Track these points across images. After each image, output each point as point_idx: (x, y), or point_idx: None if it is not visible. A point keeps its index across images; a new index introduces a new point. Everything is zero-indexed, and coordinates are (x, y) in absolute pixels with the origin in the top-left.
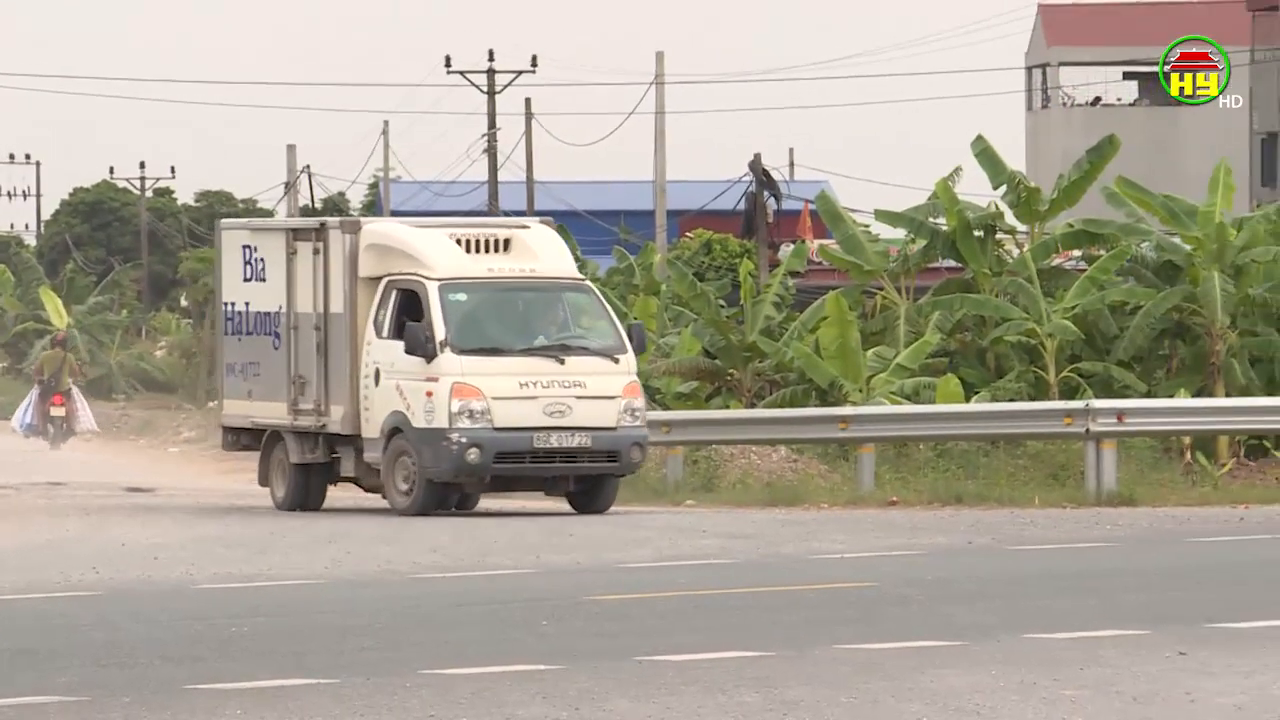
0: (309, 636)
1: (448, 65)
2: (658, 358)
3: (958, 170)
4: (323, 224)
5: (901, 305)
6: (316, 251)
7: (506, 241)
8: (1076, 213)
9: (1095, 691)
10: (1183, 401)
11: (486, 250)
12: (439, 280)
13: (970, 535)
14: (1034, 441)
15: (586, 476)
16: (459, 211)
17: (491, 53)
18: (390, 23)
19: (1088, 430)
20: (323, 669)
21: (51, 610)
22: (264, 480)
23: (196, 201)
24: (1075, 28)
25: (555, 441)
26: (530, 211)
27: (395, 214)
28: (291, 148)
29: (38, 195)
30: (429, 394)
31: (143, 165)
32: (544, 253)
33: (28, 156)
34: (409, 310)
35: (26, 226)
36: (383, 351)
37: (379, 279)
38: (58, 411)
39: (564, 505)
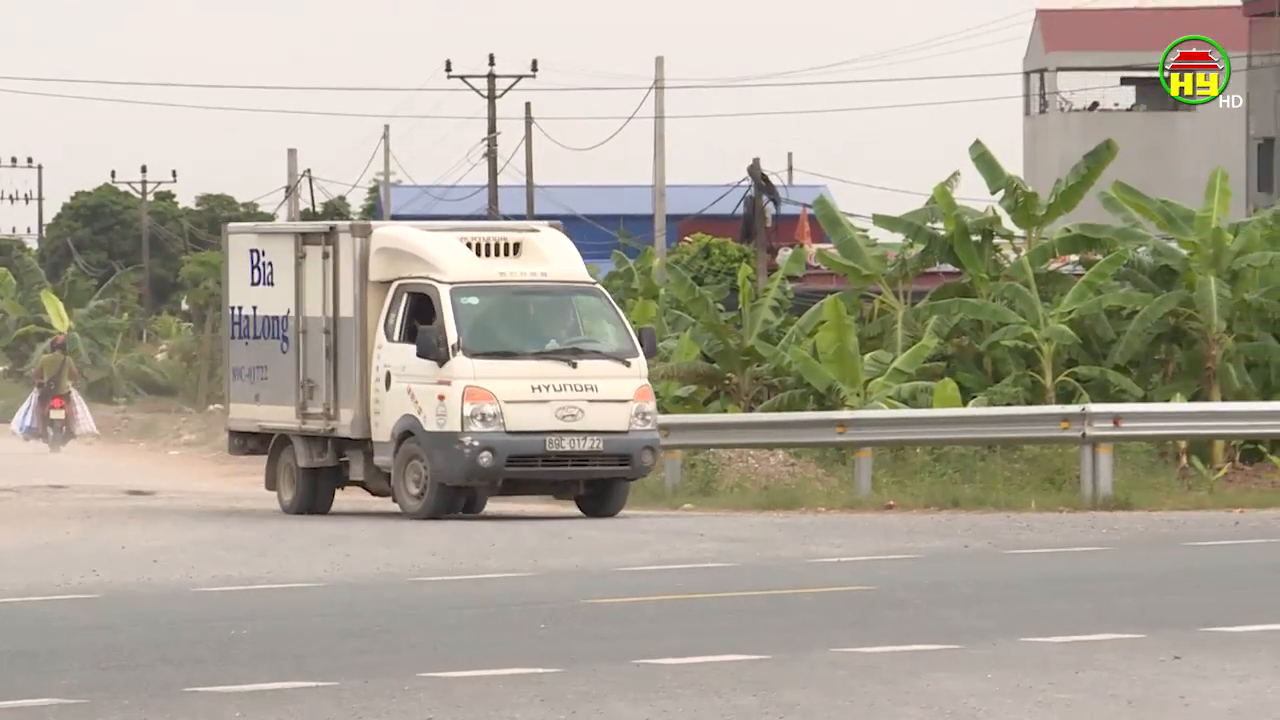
0: (308, 639)
1: (448, 70)
2: (656, 361)
3: (955, 175)
4: (332, 228)
5: (899, 309)
6: (326, 255)
7: (517, 245)
8: (1074, 217)
9: (1090, 695)
10: (1179, 406)
11: (497, 254)
12: (451, 284)
13: (967, 539)
14: (1030, 445)
15: (597, 480)
16: (459, 216)
17: (492, 57)
18: (391, 27)
19: (1084, 434)
20: (322, 671)
21: (52, 613)
22: (271, 484)
23: (197, 205)
24: (1073, 33)
25: (567, 445)
26: (530, 216)
27: (395, 218)
28: (292, 152)
29: (39, 199)
30: (441, 397)
31: (144, 169)
32: (554, 256)
33: (30, 160)
34: (420, 314)
35: (29, 230)
36: (394, 355)
37: (389, 283)
38: (57, 414)
39: (564, 509)
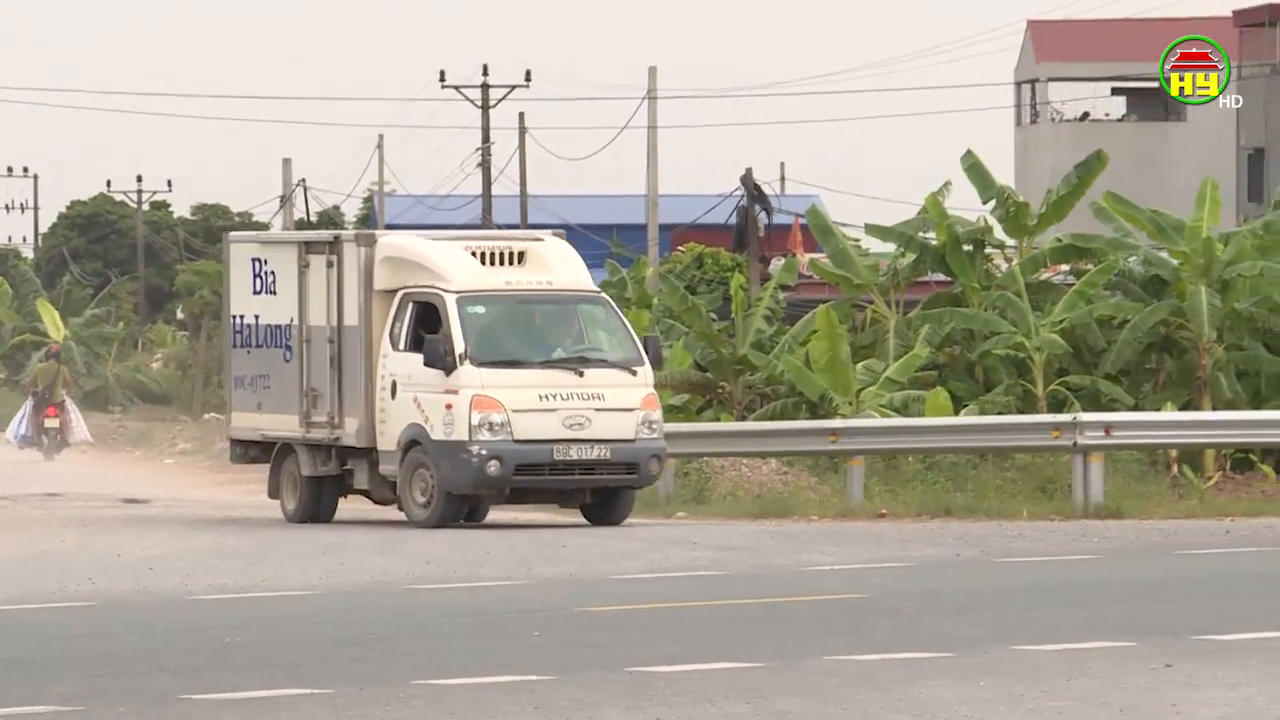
0: (303, 647)
1: (442, 80)
2: None
3: (947, 185)
4: (337, 237)
5: (891, 319)
6: (330, 264)
7: (521, 254)
8: (1065, 227)
9: (1082, 703)
10: (1169, 415)
11: (502, 263)
12: (457, 293)
13: (959, 547)
14: (1022, 454)
15: (603, 489)
16: (454, 225)
17: (485, 67)
18: (385, 38)
19: (1075, 443)
20: (317, 679)
21: (47, 620)
22: (274, 493)
23: (192, 215)
24: (1064, 43)
25: (575, 454)
26: (524, 225)
27: (390, 227)
28: (287, 161)
29: (35, 208)
30: (448, 406)
31: (139, 179)
32: (559, 265)
33: (25, 170)
34: (425, 323)
35: (24, 239)
36: (399, 364)
37: (394, 292)
38: (52, 423)
39: (557, 517)
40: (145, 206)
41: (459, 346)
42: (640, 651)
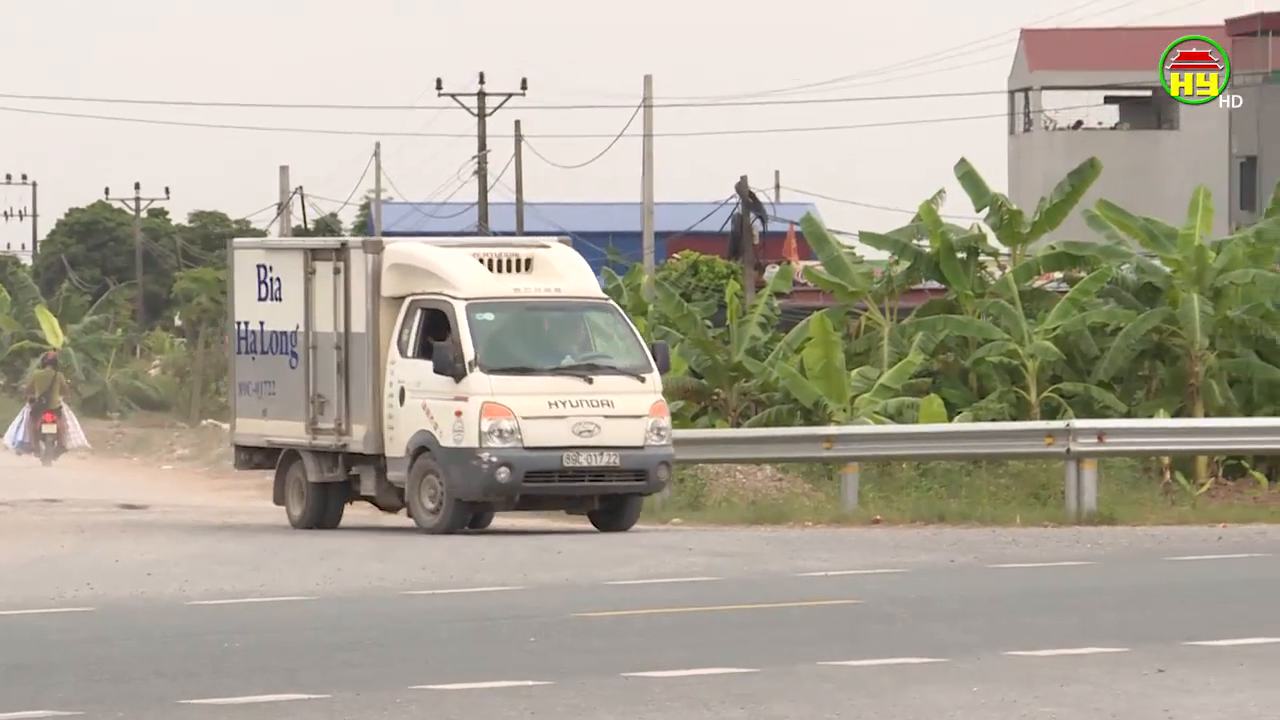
0: (301, 652)
1: (439, 88)
2: None
3: (941, 193)
4: (344, 244)
5: (885, 326)
6: (337, 271)
7: (529, 261)
8: (1058, 235)
9: (1075, 709)
10: (1162, 422)
11: (510, 270)
12: (466, 300)
13: (952, 554)
14: (1015, 461)
15: (611, 495)
16: (451, 232)
17: (482, 75)
18: (382, 45)
19: (1068, 450)
20: (314, 685)
21: (46, 626)
22: (279, 499)
23: (190, 222)
24: (1057, 52)
25: (584, 460)
26: (520, 233)
27: (386, 234)
28: (284, 169)
29: (34, 215)
30: (458, 413)
31: (137, 186)
32: (567, 272)
33: (24, 177)
34: (434, 330)
35: (23, 246)
36: (408, 371)
37: (402, 298)
38: (49, 429)
39: (553, 523)
40: (143, 214)
41: (468, 353)
42: (636, 657)
